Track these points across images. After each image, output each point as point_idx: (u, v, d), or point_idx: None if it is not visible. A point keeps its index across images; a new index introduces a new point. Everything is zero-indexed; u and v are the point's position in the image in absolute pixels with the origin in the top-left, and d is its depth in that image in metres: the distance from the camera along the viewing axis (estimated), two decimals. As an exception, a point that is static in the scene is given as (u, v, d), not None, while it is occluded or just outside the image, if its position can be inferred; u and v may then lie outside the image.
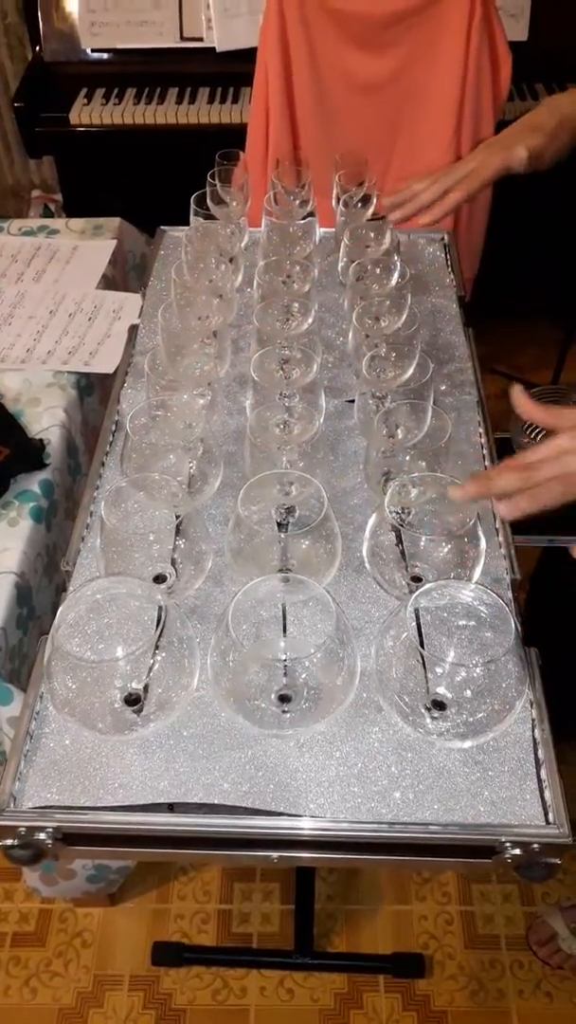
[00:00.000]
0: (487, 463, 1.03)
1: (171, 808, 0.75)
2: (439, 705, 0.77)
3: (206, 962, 1.56)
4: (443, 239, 1.40)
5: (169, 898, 1.64)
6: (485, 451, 1.04)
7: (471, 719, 0.76)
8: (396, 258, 1.15)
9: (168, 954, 1.56)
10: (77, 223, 1.61)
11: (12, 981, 1.54)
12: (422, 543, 0.85)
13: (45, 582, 1.14)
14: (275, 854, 0.76)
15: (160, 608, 0.76)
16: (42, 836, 0.74)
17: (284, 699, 0.77)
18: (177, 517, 0.87)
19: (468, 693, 0.76)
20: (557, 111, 1.08)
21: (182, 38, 2.12)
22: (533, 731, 0.79)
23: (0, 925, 1.61)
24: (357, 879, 1.65)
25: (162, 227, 1.42)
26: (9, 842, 0.75)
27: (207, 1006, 1.51)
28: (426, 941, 1.57)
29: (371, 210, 1.24)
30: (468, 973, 1.53)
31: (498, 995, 1.51)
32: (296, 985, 1.53)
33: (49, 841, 0.74)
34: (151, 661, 0.77)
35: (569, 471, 0.75)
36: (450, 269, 1.34)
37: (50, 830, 0.74)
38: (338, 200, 1.26)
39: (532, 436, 1.21)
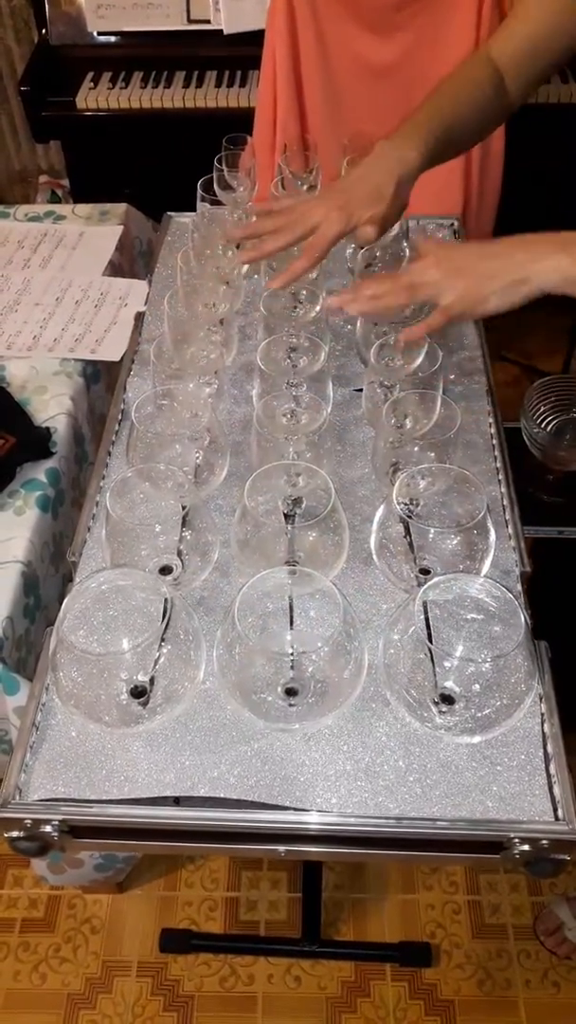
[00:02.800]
0: (497, 453, 1.02)
1: (177, 801, 0.74)
2: (447, 699, 0.76)
3: (214, 949, 1.56)
4: (453, 225, 1.38)
5: (177, 885, 1.64)
6: (495, 440, 1.03)
7: (480, 714, 0.75)
8: (405, 244, 1.13)
9: (176, 941, 1.56)
10: (83, 209, 1.60)
11: (21, 966, 1.55)
12: (431, 535, 0.84)
13: (52, 571, 1.13)
14: (282, 848, 0.76)
15: (165, 600, 0.75)
16: (48, 828, 0.74)
17: (291, 692, 0.76)
18: (183, 508, 0.86)
19: (477, 687, 0.76)
20: (394, 176, 0.96)
21: (189, 20, 2.09)
22: (542, 726, 0.78)
23: (9, 911, 1.62)
24: (364, 868, 1.65)
25: (168, 213, 1.40)
26: (15, 834, 0.75)
27: (215, 992, 1.51)
28: (433, 930, 1.57)
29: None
30: (475, 962, 1.53)
31: (505, 985, 1.51)
32: (303, 973, 1.53)
33: (55, 833, 0.74)
34: (157, 654, 0.77)
35: (417, 281, 0.87)
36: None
37: (56, 822, 0.74)
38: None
39: (542, 425, 1.20)
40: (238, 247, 1.16)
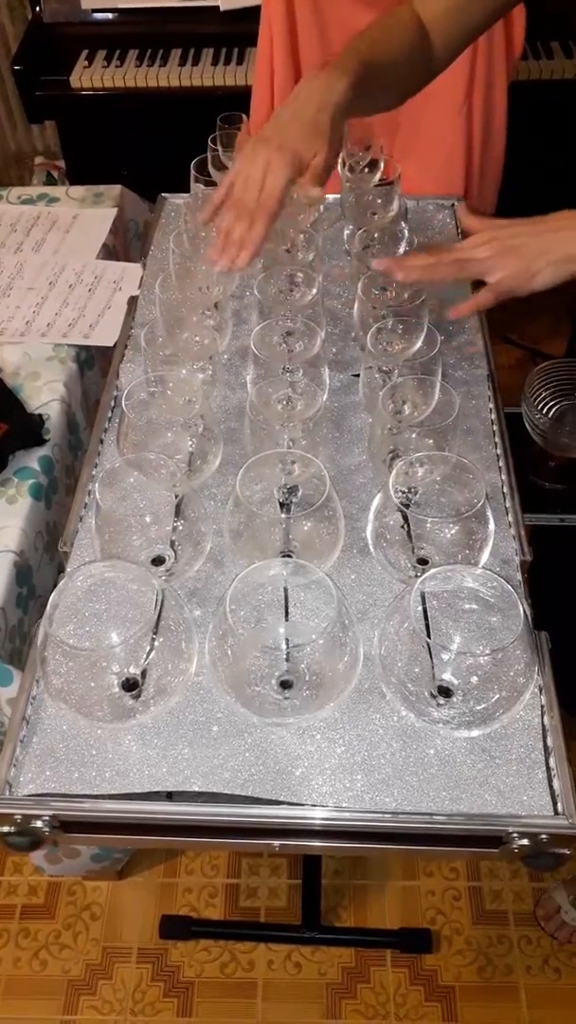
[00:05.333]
0: (497, 439, 1.00)
1: (170, 796, 0.73)
2: (445, 692, 0.75)
3: (214, 935, 1.56)
4: (453, 205, 1.35)
5: (177, 872, 1.64)
6: (495, 427, 1.01)
7: (478, 707, 0.74)
8: (404, 225, 1.11)
9: (176, 927, 1.56)
10: (77, 191, 1.57)
11: (22, 953, 1.55)
12: (428, 524, 0.82)
13: (46, 560, 1.12)
14: (276, 843, 0.75)
15: (157, 592, 0.74)
16: (39, 824, 0.73)
17: (285, 685, 0.75)
18: (176, 497, 0.84)
19: (475, 680, 0.74)
20: (328, 107, 0.89)
21: (185, -4, 2.05)
22: (542, 718, 0.76)
23: (9, 898, 1.62)
24: (365, 856, 1.64)
25: (163, 194, 1.38)
26: (6, 829, 0.74)
27: (215, 979, 1.52)
28: (433, 916, 1.57)
29: (378, 175, 1.20)
30: (476, 948, 1.53)
31: (506, 970, 1.51)
32: (304, 959, 1.53)
33: (46, 829, 0.73)
34: (148, 646, 0.75)
35: (467, 257, 0.88)
36: (460, 237, 1.30)
37: (47, 818, 0.72)
38: (344, 164, 1.22)
39: (543, 411, 1.18)
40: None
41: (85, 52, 2.11)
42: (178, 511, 0.84)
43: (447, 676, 0.75)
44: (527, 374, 1.24)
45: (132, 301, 1.21)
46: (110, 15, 2.10)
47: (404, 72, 1.02)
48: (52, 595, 0.72)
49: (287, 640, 0.78)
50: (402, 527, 0.84)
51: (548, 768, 0.74)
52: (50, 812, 0.72)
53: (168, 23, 2.09)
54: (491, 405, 1.03)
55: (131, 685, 0.75)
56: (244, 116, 1.25)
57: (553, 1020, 1.47)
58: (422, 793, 0.72)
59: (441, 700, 0.75)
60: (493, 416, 1.02)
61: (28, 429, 1.13)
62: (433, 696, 0.75)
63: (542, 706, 0.77)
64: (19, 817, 0.72)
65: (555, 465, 1.21)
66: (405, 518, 0.84)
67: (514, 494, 0.94)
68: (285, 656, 0.75)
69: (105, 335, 1.27)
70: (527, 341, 2.43)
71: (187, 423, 0.91)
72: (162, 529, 0.84)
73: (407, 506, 0.84)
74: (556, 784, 0.73)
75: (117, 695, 0.75)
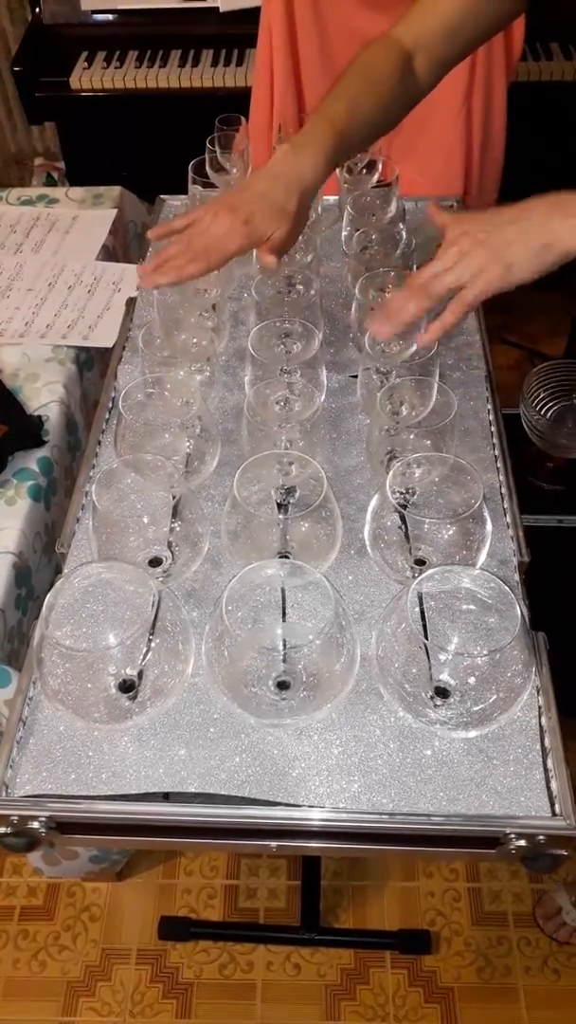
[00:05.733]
0: (495, 440, 1.00)
1: (166, 797, 0.73)
2: (442, 693, 0.75)
3: (213, 937, 1.56)
4: (453, 206, 1.35)
5: (176, 873, 1.64)
6: (493, 427, 1.01)
7: (475, 707, 0.74)
8: (402, 226, 1.11)
9: (175, 929, 1.56)
10: (77, 192, 1.57)
11: (21, 955, 1.55)
12: (426, 525, 0.82)
13: (44, 561, 1.12)
14: (273, 843, 0.75)
15: (153, 593, 0.74)
16: (35, 825, 0.73)
17: (282, 686, 0.75)
18: (173, 498, 0.84)
19: (472, 680, 0.74)
20: (297, 190, 0.91)
21: (184, -3, 2.05)
22: (540, 719, 0.76)
23: (8, 899, 1.62)
24: (364, 857, 1.64)
25: (162, 196, 1.38)
26: (2, 830, 0.74)
27: (214, 980, 1.51)
28: (433, 918, 1.57)
29: (376, 176, 1.20)
30: (475, 949, 1.53)
31: (505, 971, 1.51)
32: (303, 960, 1.53)
33: (43, 830, 0.73)
34: (145, 648, 0.75)
35: (431, 273, 0.84)
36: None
37: (43, 819, 0.72)
38: (342, 166, 1.22)
39: (541, 411, 1.18)
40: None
41: (85, 53, 2.11)
42: (175, 512, 0.84)
43: (444, 677, 0.75)
44: (525, 375, 1.24)
45: (130, 302, 1.21)
46: (110, 16, 2.10)
47: (387, 118, 1.01)
48: (48, 596, 0.72)
49: (284, 641, 0.78)
50: (400, 528, 0.84)
51: (546, 769, 0.74)
52: (47, 813, 0.72)
53: (168, 24, 2.09)
54: (489, 406, 1.03)
55: (128, 686, 0.75)
56: (243, 118, 1.25)
57: (552, 1021, 1.47)
58: (419, 794, 0.72)
59: (438, 701, 0.75)
60: (491, 417, 1.02)
61: (27, 430, 1.13)
62: (430, 697, 0.75)
63: (540, 707, 0.77)
64: (16, 818, 0.72)
65: (553, 466, 1.21)
66: (403, 519, 0.84)
67: (512, 495, 0.94)
68: (282, 657, 0.75)
69: (104, 336, 1.27)
70: (525, 342, 2.43)
71: (184, 424, 0.91)
72: (159, 530, 0.84)
73: (405, 507, 0.84)
74: (554, 785, 0.73)
75: (114, 696, 0.75)
